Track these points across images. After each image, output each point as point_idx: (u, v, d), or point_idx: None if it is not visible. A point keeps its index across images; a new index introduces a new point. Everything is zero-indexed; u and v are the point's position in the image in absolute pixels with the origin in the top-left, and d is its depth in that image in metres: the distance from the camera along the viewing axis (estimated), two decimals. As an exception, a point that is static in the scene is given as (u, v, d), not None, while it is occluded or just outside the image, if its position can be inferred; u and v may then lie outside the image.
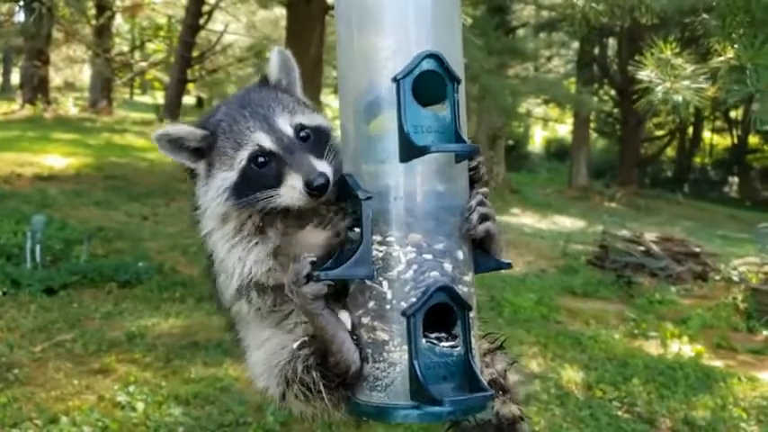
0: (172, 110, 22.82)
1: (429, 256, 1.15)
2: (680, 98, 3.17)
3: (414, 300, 1.13)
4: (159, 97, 29.56)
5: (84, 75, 26.54)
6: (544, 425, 5.07)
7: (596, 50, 25.09)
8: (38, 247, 7.55)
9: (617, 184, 24.10)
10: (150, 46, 29.58)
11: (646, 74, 3.25)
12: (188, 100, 25.71)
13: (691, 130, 31.43)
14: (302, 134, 1.31)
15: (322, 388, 1.20)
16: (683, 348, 7.02)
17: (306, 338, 1.24)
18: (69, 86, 25.83)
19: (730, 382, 6.11)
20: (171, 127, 1.35)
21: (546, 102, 24.81)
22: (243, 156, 1.29)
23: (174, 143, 1.34)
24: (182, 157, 1.35)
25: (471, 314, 1.17)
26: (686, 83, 3.17)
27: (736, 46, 2.79)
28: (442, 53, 1.16)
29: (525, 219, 17.12)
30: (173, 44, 25.39)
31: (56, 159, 13.70)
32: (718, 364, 6.77)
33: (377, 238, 1.15)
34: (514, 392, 1.38)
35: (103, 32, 21.66)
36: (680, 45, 3.20)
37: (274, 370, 1.29)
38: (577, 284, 9.53)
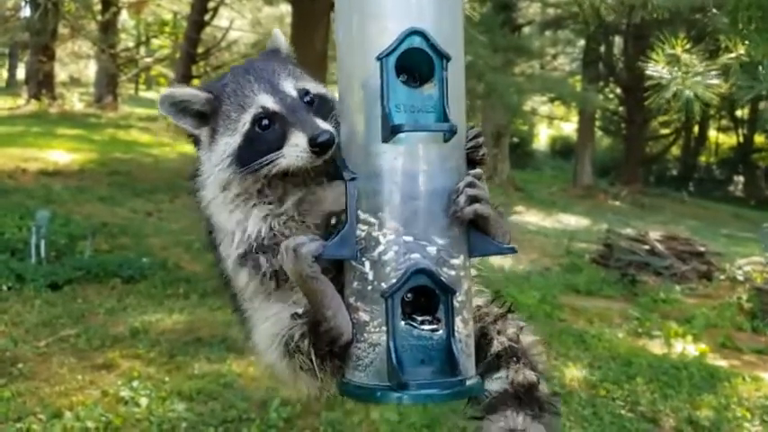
0: (176, 106, 22.87)
1: (410, 239, 1.14)
2: (691, 94, 3.15)
3: (393, 281, 1.13)
4: (164, 93, 29.50)
5: (90, 70, 26.59)
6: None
7: (602, 48, 25.00)
8: (42, 243, 7.56)
9: (621, 182, 24.03)
10: (155, 42, 29.62)
11: (657, 70, 3.24)
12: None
13: (696, 128, 31.33)
14: (307, 98, 1.31)
15: (313, 356, 1.20)
16: (687, 348, 6.99)
17: (306, 307, 1.22)
18: (74, 82, 25.86)
19: (734, 381, 6.08)
20: (176, 89, 1.34)
21: (551, 100, 24.78)
22: (246, 119, 1.28)
23: (178, 106, 1.33)
24: (185, 122, 1.34)
25: (459, 298, 1.16)
26: (698, 79, 3.15)
27: (747, 42, 2.77)
28: (438, 31, 1.14)
29: (529, 217, 17.08)
30: (178, 40, 25.40)
31: (60, 155, 13.72)
32: (722, 363, 6.74)
33: (362, 217, 1.15)
34: (529, 355, 1.35)
35: (109, 28, 21.67)
36: (689, 42, 3.18)
37: (276, 340, 1.28)
38: (581, 283, 9.50)
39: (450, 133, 1.14)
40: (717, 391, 5.84)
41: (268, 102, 1.28)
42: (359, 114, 1.17)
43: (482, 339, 1.29)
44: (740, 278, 9.81)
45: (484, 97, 13.55)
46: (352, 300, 1.17)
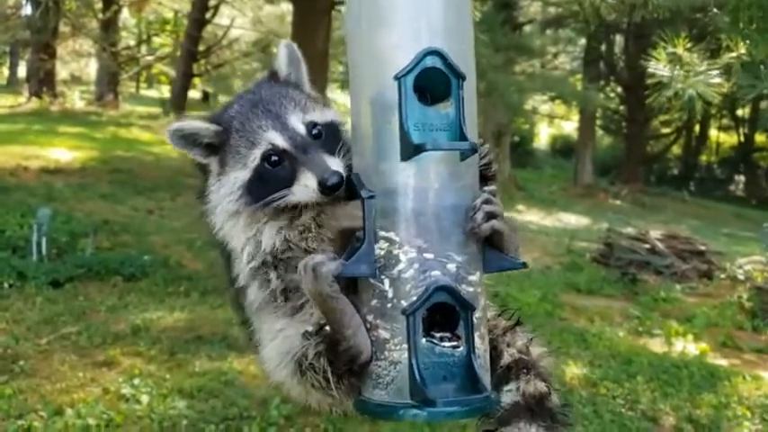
0: (178, 104, 22.86)
1: (431, 256, 1.14)
2: (693, 93, 3.16)
3: (414, 299, 1.13)
4: (165, 91, 29.56)
5: (91, 68, 26.56)
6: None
7: (603, 47, 24.99)
8: (43, 240, 7.57)
9: (622, 181, 24.03)
10: (156, 40, 29.63)
11: (658, 68, 3.24)
12: (194, 94, 25.74)
13: (697, 127, 31.32)
14: (314, 132, 1.32)
15: (330, 375, 1.20)
16: (687, 347, 7.01)
17: (319, 323, 1.23)
18: (76, 80, 25.81)
19: (735, 380, 6.10)
20: (185, 122, 1.36)
21: (552, 99, 24.75)
22: (256, 154, 1.30)
23: (188, 138, 1.35)
24: (194, 153, 1.36)
25: (476, 314, 1.17)
26: (700, 78, 3.16)
27: (748, 41, 2.78)
28: (450, 49, 1.15)
29: (530, 216, 17.10)
30: (179, 38, 25.43)
31: (62, 153, 13.73)
32: (722, 362, 6.75)
33: (381, 235, 1.15)
34: (539, 367, 1.35)
35: (110, 26, 21.69)
36: (690, 41, 3.19)
37: (287, 358, 1.28)
38: (582, 281, 9.51)
39: (471, 151, 1.15)
40: (717, 390, 5.85)
41: (277, 139, 1.29)
42: (373, 134, 1.18)
43: (492, 352, 1.29)
44: (741, 277, 9.82)
45: (485, 96, 13.55)
46: (370, 318, 1.17)
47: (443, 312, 1.16)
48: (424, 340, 1.14)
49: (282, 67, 1.42)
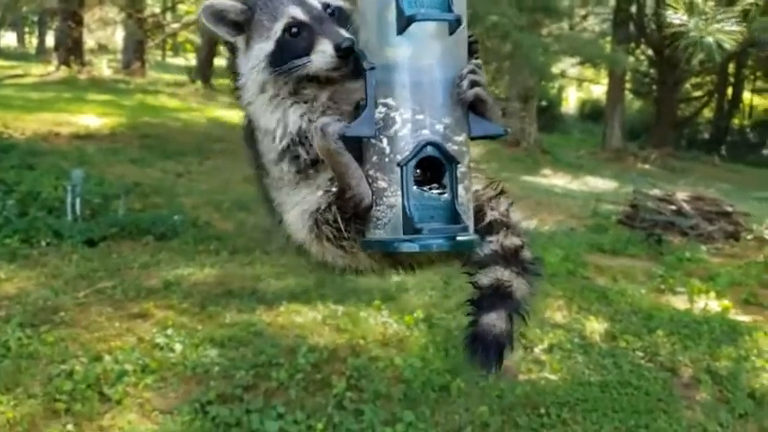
0: (203, 71, 23.04)
1: (421, 117, 1.34)
2: (712, 40, 3.18)
3: (407, 153, 1.34)
4: (191, 59, 29.74)
5: (117, 37, 26.76)
6: (566, 371, 5.20)
7: (633, 9, 24.40)
8: (77, 201, 7.81)
9: (652, 145, 23.65)
10: (182, 7, 29.66)
11: (678, 17, 3.26)
12: (219, 62, 25.83)
13: (730, 90, 30.59)
14: (329, 11, 1.51)
15: (340, 223, 1.42)
16: (709, 303, 7.03)
17: (330, 185, 1.45)
18: (103, 48, 26.06)
19: (755, 335, 6.13)
20: (216, 0, 1.53)
21: (581, 62, 24.33)
22: (278, 27, 1.48)
23: (217, 15, 1.52)
24: (222, 30, 1.53)
25: (461, 168, 1.36)
26: (717, 26, 3.17)
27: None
28: None
29: (556, 180, 17.03)
30: (204, 5, 25.38)
31: (91, 119, 13.99)
32: (744, 318, 6.77)
33: (380, 101, 1.35)
34: (517, 227, 1.59)
35: (136, -6, 21.78)
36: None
37: (305, 215, 1.50)
38: (606, 242, 9.51)
39: (456, 23, 1.32)
40: (737, 344, 5.90)
41: (297, 12, 1.47)
42: (374, 18, 1.37)
43: (478, 214, 1.50)
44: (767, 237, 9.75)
45: (509, 58, 13.41)
46: (371, 172, 1.37)
47: (433, 170, 1.37)
48: (415, 187, 1.34)
49: None
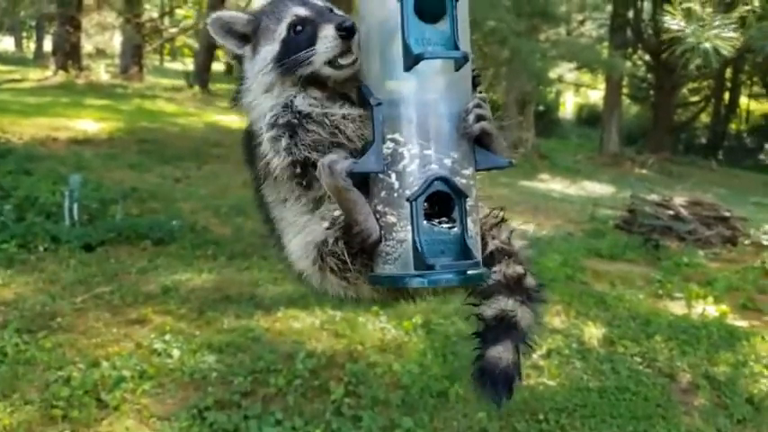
0: (201, 76, 23.06)
1: (430, 152, 1.34)
2: (709, 46, 3.20)
3: (416, 188, 1.33)
4: (189, 64, 29.76)
5: (115, 42, 26.77)
6: (565, 377, 5.19)
7: (630, 14, 24.49)
8: (75, 206, 7.80)
9: (649, 150, 23.72)
10: (180, 12, 29.71)
11: (676, 23, 3.28)
12: (217, 66, 25.87)
13: (727, 95, 30.68)
14: (332, 12, 1.52)
15: (346, 256, 1.40)
16: (707, 309, 7.04)
17: (336, 216, 1.43)
18: (100, 53, 26.08)
19: (753, 340, 6.14)
20: (223, 12, 1.55)
21: (578, 67, 24.39)
22: (283, 27, 1.48)
23: (225, 27, 1.53)
24: (231, 43, 1.54)
25: (469, 202, 1.36)
26: (714, 32, 3.19)
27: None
28: None
29: (554, 184, 17.06)
30: (202, 10, 25.48)
31: (89, 124, 13.99)
32: (742, 323, 6.78)
33: (388, 137, 1.35)
34: (519, 254, 1.58)
35: (133, -1, 21.81)
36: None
37: (309, 247, 1.48)
38: (604, 247, 9.52)
39: (463, 60, 1.33)
40: (735, 349, 5.90)
41: (300, 11, 1.48)
42: (379, 52, 1.37)
43: (480, 242, 1.48)
44: (765, 243, 9.75)
45: (507, 63, 13.46)
46: (379, 207, 1.37)
47: (441, 204, 1.36)
48: (425, 222, 1.33)
49: None
